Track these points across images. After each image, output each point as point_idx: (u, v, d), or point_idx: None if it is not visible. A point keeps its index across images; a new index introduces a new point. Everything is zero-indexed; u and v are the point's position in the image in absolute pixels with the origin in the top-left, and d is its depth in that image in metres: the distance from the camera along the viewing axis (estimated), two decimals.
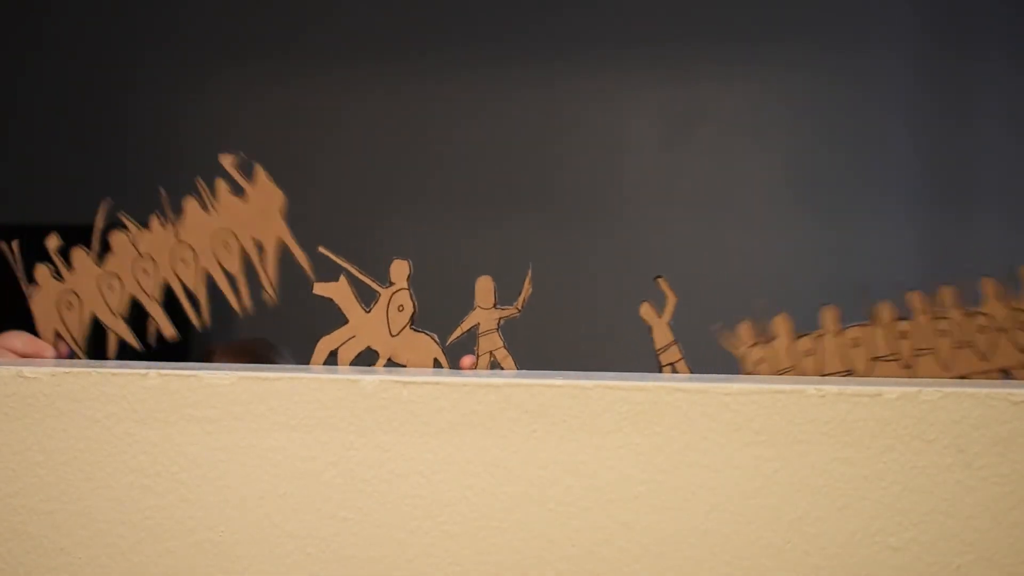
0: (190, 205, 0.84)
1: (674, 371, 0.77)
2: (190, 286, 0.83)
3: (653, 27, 2.94)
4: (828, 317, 0.76)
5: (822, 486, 0.66)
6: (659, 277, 0.77)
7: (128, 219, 0.84)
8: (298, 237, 0.85)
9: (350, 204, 3.01)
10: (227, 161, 0.83)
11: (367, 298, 0.81)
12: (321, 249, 0.80)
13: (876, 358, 0.75)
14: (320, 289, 0.80)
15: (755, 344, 0.76)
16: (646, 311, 0.77)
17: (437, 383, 0.71)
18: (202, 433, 0.73)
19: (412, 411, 0.71)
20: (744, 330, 0.76)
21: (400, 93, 3.03)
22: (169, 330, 0.84)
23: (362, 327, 0.79)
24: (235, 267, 0.83)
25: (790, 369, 0.75)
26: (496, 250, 2.95)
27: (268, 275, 0.83)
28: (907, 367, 0.75)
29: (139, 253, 0.83)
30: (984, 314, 0.74)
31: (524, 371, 0.78)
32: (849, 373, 0.76)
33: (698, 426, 0.68)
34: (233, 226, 0.83)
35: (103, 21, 3.12)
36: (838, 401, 0.66)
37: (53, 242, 0.85)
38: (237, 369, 0.76)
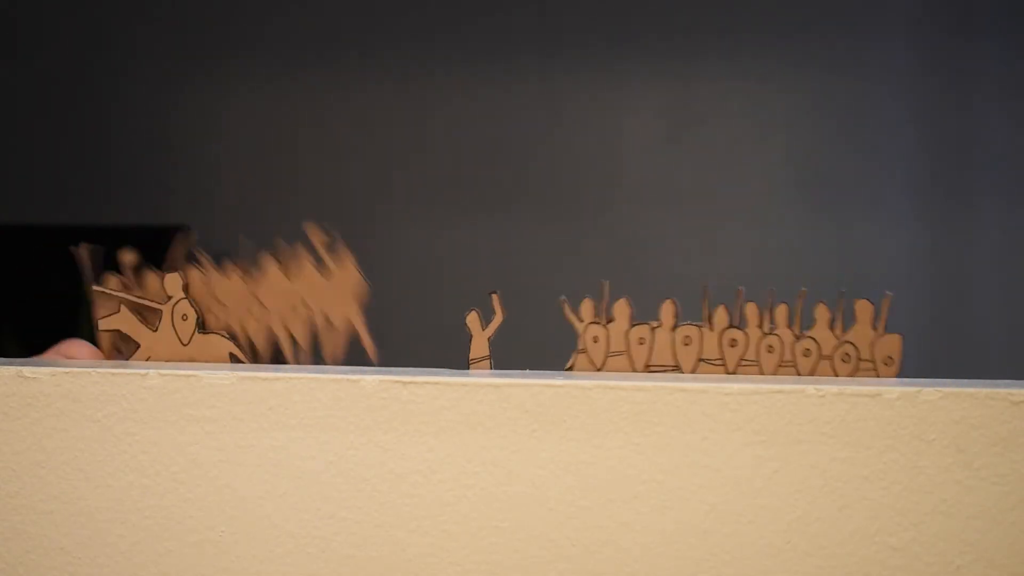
0: (270, 265, 0.84)
1: None
2: (252, 338, 0.84)
3: (653, 26, 2.93)
4: (665, 312, 0.77)
5: (822, 486, 0.66)
6: (493, 293, 0.79)
7: (204, 256, 0.85)
8: (300, 236, 0.85)
9: (349, 203, 3.01)
10: (316, 237, 0.83)
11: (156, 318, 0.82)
12: (96, 288, 0.81)
13: (703, 360, 0.76)
14: (105, 324, 0.82)
15: (594, 322, 0.77)
16: (472, 320, 0.79)
17: (437, 383, 0.71)
18: (202, 433, 0.73)
19: (412, 411, 0.71)
20: (586, 307, 0.78)
21: (395, 92, 3.03)
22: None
23: (154, 346, 0.81)
24: (301, 333, 0.84)
25: (621, 353, 0.77)
26: (495, 250, 2.95)
27: (333, 348, 0.83)
28: (730, 374, 0.76)
29: (211, 292, 0.84)
30: (812, 339, 0.75)
31: (524, 371, 0.78)
32: (676, 368, 0.77)
33: (698, 426, 0.68)
34: (308, 297, 0.84)
35: (98, 18, 3.12)
36: (838, 401, 0.66)
37: (128, 257, 0.85)
38: (237, 369, 0.76)
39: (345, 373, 0.73)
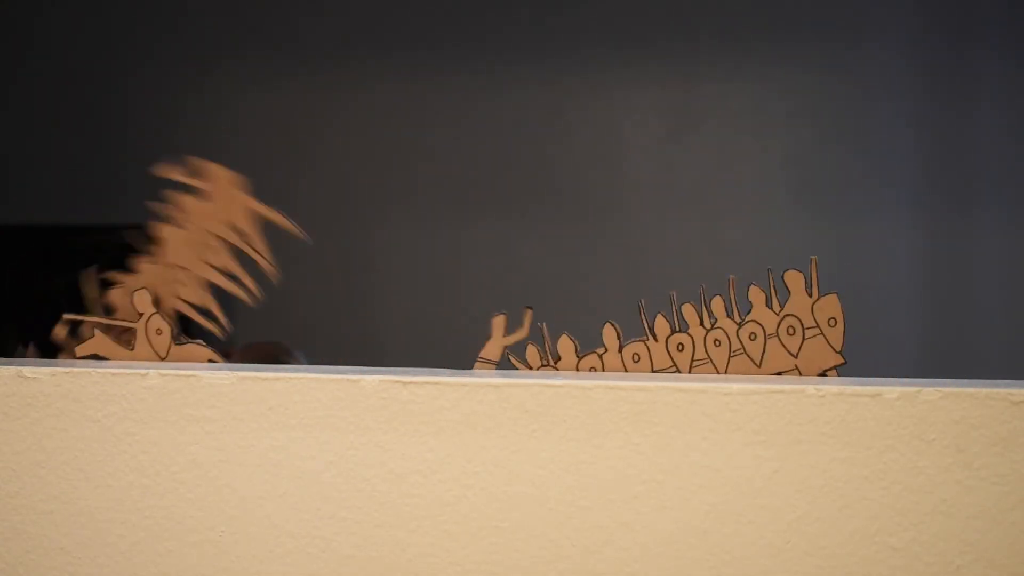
0: (164, 229, 0.85)
1: None
2: (197, 302, 0.84)
3: (653, 27, 2.93)
4: (608, 335, 0.78)
5: (822, 486, 0.66)
6: (529, 308, 0.79)
7: (115, 275, 0.86)
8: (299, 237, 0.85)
9: (349, 203, 3.01)
10: (175, 172, 0.84)
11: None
12: (66, 316, 0.82)
13: (656, 371, 0.77)
14: (82, 350, 0.83)
15: (543, 365, 0.78)
16: (498, 322, 0.79)
17: (437, 383, 0.71)
18: (202, 433, 0.73)
19: (412, 411, 0.71)
20: (531, 353, 0.79)
21: (398, 92, 3.03)
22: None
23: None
24: (227, 262, 0.84)
25: None
26: (495, 249, 2.95)
27: (259, 251, 0.84)
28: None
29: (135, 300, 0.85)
30: (754, 321, 0.76)
31: (524, 371, 0.78)
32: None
33: (698, 426, 0.68)
34: (209, 226, 0.84)
35: (101, 20, 3.12)
36: (838, 401, 0.66)
37: (61, 332, 0.86)
38: (237, 369, 0.76)
39: (345, 373, 0.73)
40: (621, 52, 2.94)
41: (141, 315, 0.82)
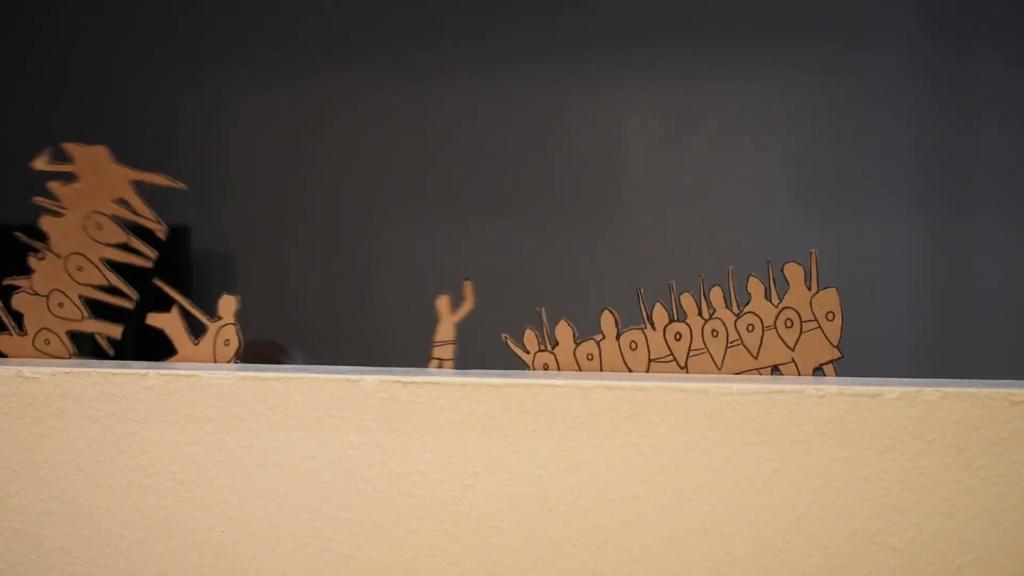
0: (45, 222, 0.85)
1: (440, 367, 0.80)
2: (99, 282, 0.85)
3: (653, 27, 2.94)
4: (607, 322, 0.78)
5: (822, 486, 0.66)
6: (467, 280, 0.80)
7: (13, 281, 0.86)
8: (299, 236, 0.85)
9: (349, 203, 3.01)
10: (42, 163, 0.85)
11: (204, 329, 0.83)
12: (156, 282, 0.82)
13: (653, 360, 0.77)
14: (152, 320, 0.83)
15: (540, 350, 0.78)
16: (442, 303, 0.80)
17: (437, 383, 0.71)
18: (202, 433, 0.73)
19: (412, 411, 0.71)
20: (529, 337, 0.79)
21: (398, 92, 3.03)
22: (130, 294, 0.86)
23: (189, 359, 0.82)
24: (117, 234, 0.85)
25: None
26: (495, 250, 2.95)
27: (145, 215, 0.85)
28: (682, 368, 0.77)
29: (46, 297, 0.85)
30: (752, 313, 0.76)
31: (524, 371, 0.78)
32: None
33: (698, 426, 0.68)
34: (89, 205, 0.85)
35: (101, 20, 3.12)
36: (838, 401, 0.66)
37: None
38: (237, 369, 0.76)
39: (345, 373, 0.73)
40: (621, 52, 2.94)
41: (220, 319, 0.82)
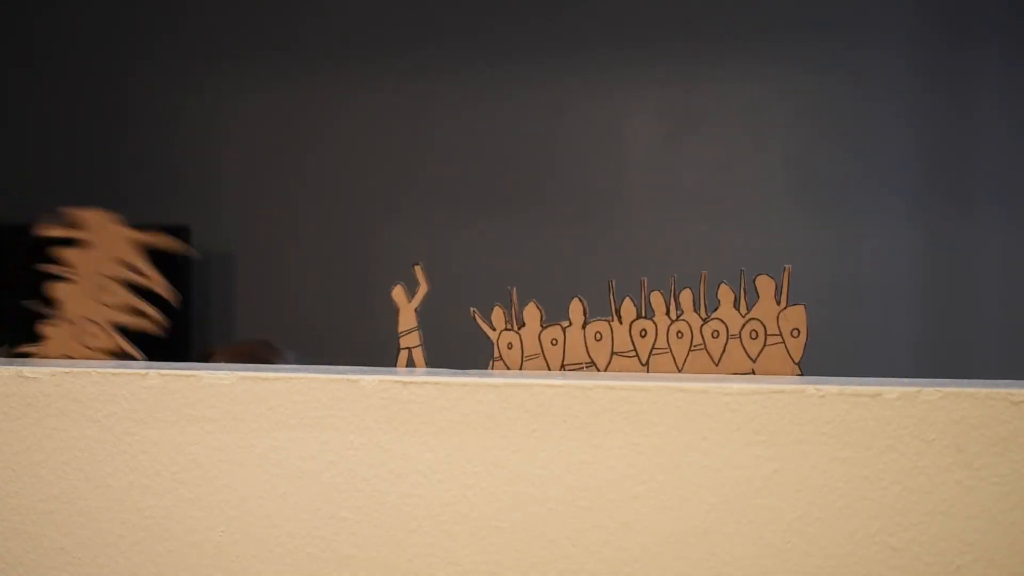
0: (56, 288, 0.86)
1: (411, 356, 0.80)
2: (111, 348, 0.86)
3: (653, 27, 2.93)
4: (574, 310, 0.79)
5: (822, 486, 0.66)
6: (416, 264, 0.81)
7: (25, 348, 0.86)
8: (299, 236, 0.85)
9: (349, 203, 3.01)
10: (53, 230, 0.86)
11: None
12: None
13: (616, 353, 0.78)
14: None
15: (507, 329, 0.79)
16: (397, 293, 0.81)
17: (437, 383, 0.71)
18: (202, 433, 0.73)
19: (412, 411, 0.71)
20: (497, 315, 0.79)
21: (398, 92, 3.03)
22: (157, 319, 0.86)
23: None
24: (127, 299, 0.86)
25: (536, 356, 0.79)
26: (495, 250, 2.95)
27: (155, 281, 0.85)
28: (643, 365, 0.77)
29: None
30: (719, 319, 0.77)
31: (524, 371, 0.78)
32: (591, 365, 0.78)
33: (698, 426, 0.68)
34: (98, 270, 0.86)
35: (101, 20, 3.12)
36: (838, 401, 0.66)
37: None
38: (237, 369, 0.76)
39: (345, 373, 0.73)
40: (621, 52, 2.94)
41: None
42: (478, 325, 0.79)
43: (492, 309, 0.79)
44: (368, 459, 0.71)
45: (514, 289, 0.79)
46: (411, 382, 0.71)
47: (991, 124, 2.85)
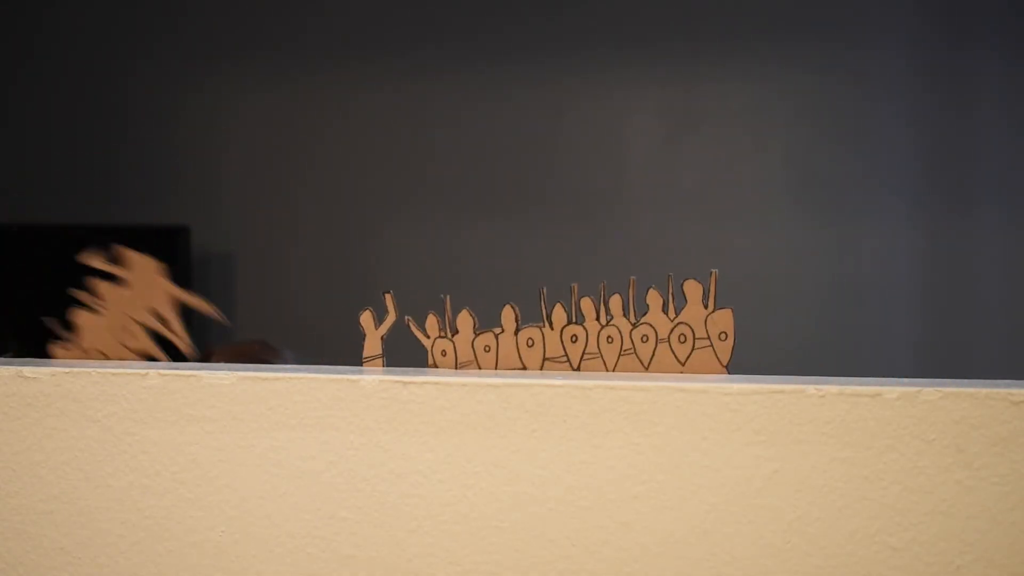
0: (79, 315, 0.86)
1: None
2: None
3: (653, 27, 2.93)
4: (506, 317, 0.79)
5: (822, 486, 0.66)
6: (387, 293, 0.81)
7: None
8: (299, 236, 0.85)
9: (349, 203, 3.01)
10: (97, 261, 0.86)
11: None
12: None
13: (548, 359, 0.78)
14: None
15: (440, 336, 0.80)
16: (366, 319, 0.81)
17: (437, 383, 0.71)
18: (202, 433, 0.73)
19: (412, 411, 0.71)
20: (431, 323, 0.80)
21: (398, 92, 3.03)
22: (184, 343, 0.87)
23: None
24: (146, 345, 0.86)
25: (469, 363, 0.79)
26: (495, 249, 2.95)
27: (177, 334, 0.86)
28: (574, 370, 0.78)
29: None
30: (648, 324, 0.77)
31: (524, 371, 0.78)
32: (523, 371, 0.79)
33: (698, 426, 0.68)
34: (128, 311, 0.86)
35: (102, 20, 3.12)
36: (838, 401, 0.66)
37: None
38: (237, 369, 0.76)
39: (345, 373, 0.73)
40: (621, 52, 2.94)
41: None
42: (412, 332, 0.80)
43: (426, 318, 0.79)
44: (368, 459, 0.71)
45: (448, 297, 0.79)
46: (411, 382, 0.71)
47: (991, 124, 2.85)
